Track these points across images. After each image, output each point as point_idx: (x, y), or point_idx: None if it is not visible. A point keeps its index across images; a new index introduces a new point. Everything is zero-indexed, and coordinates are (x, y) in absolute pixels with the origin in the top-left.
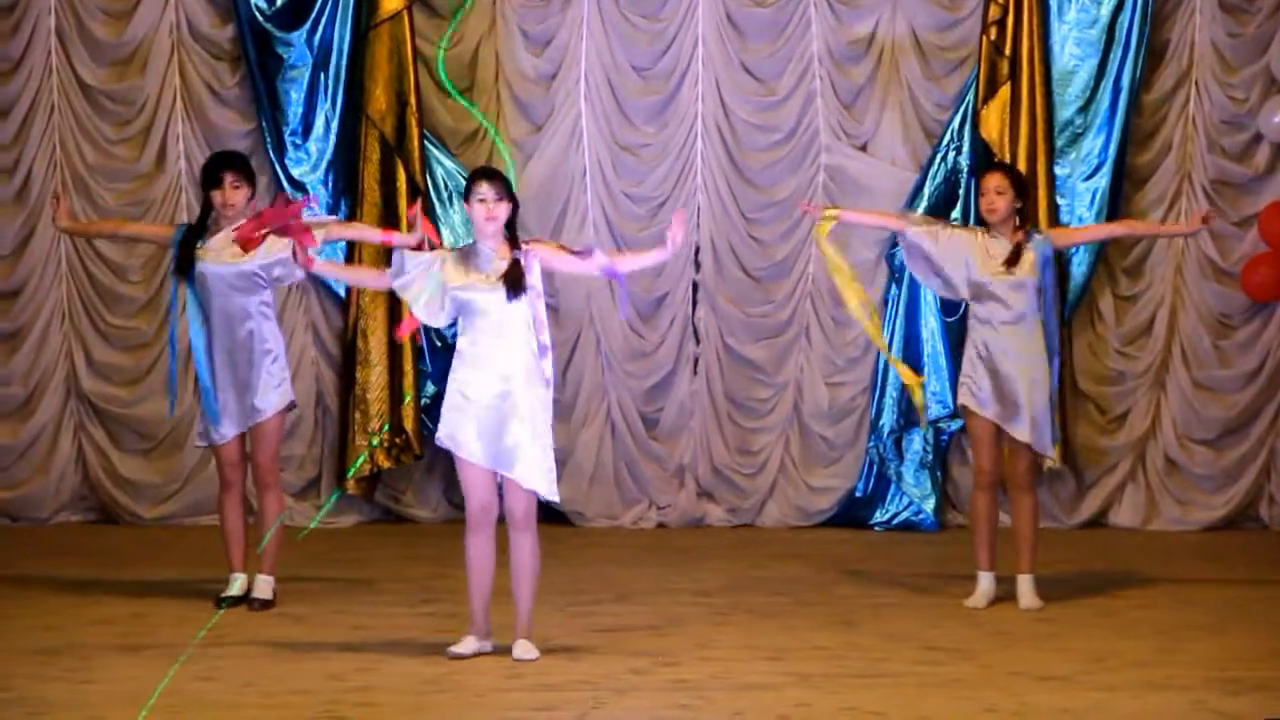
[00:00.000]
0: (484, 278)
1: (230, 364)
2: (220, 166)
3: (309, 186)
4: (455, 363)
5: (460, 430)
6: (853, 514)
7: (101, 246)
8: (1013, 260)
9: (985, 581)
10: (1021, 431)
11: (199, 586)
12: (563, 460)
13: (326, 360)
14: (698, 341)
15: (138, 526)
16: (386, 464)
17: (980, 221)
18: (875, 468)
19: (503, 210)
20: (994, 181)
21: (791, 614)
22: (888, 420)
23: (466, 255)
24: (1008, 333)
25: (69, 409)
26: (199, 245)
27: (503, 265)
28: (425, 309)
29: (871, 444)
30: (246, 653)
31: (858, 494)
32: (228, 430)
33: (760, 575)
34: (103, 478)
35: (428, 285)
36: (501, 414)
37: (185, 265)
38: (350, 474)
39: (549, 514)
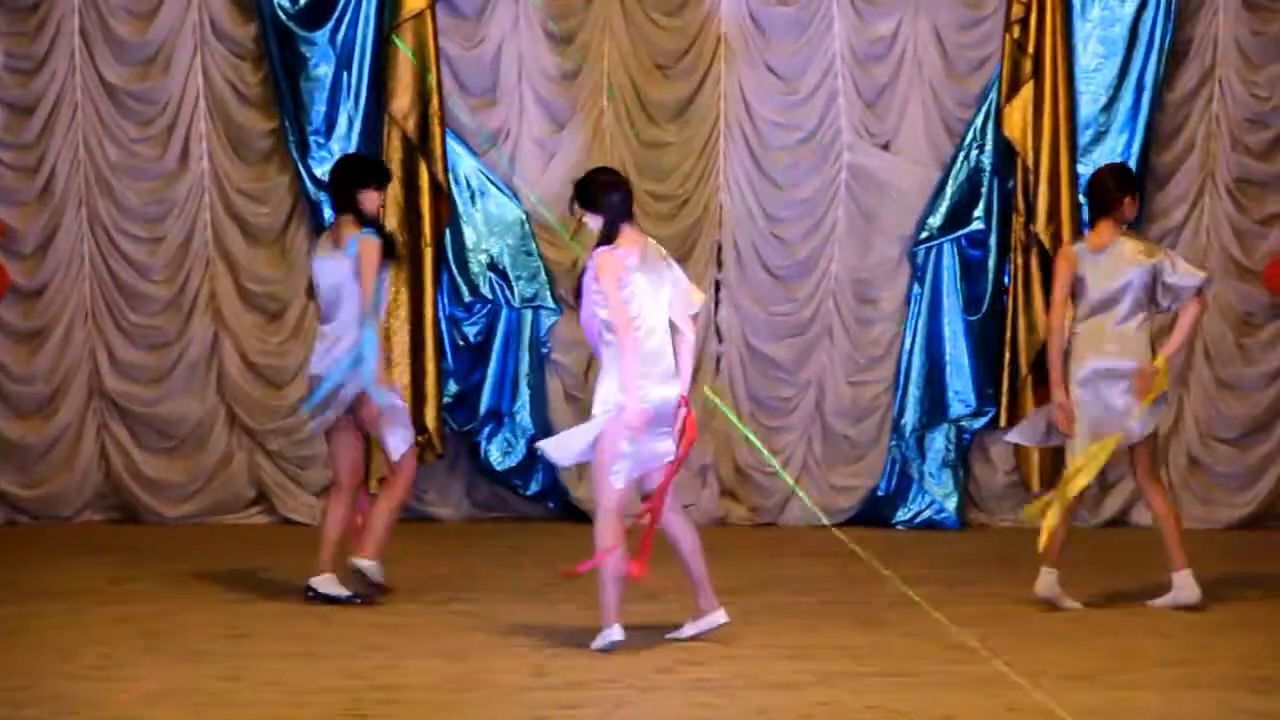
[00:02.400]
0: None
1: None
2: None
3: None
4: None
5: None
6: (875, 513)
7: (124, 245)
8: None
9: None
10: None
11: (221, 585)
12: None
13: None
14: (720, 340)
15: (160, 525)
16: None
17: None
18: (898, 466)
19: (589, 221)
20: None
21: (814, 613)
22: (910, 419)
23: None
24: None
25: (92, 407)
26: None
27: None
28: None
29: (894, 443)
30: (270, 651)
31: (880, 493)
32: None
33: (783, 574)
34: (125, 477)
35: None
36: None
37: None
38: None
39: (572, 513)
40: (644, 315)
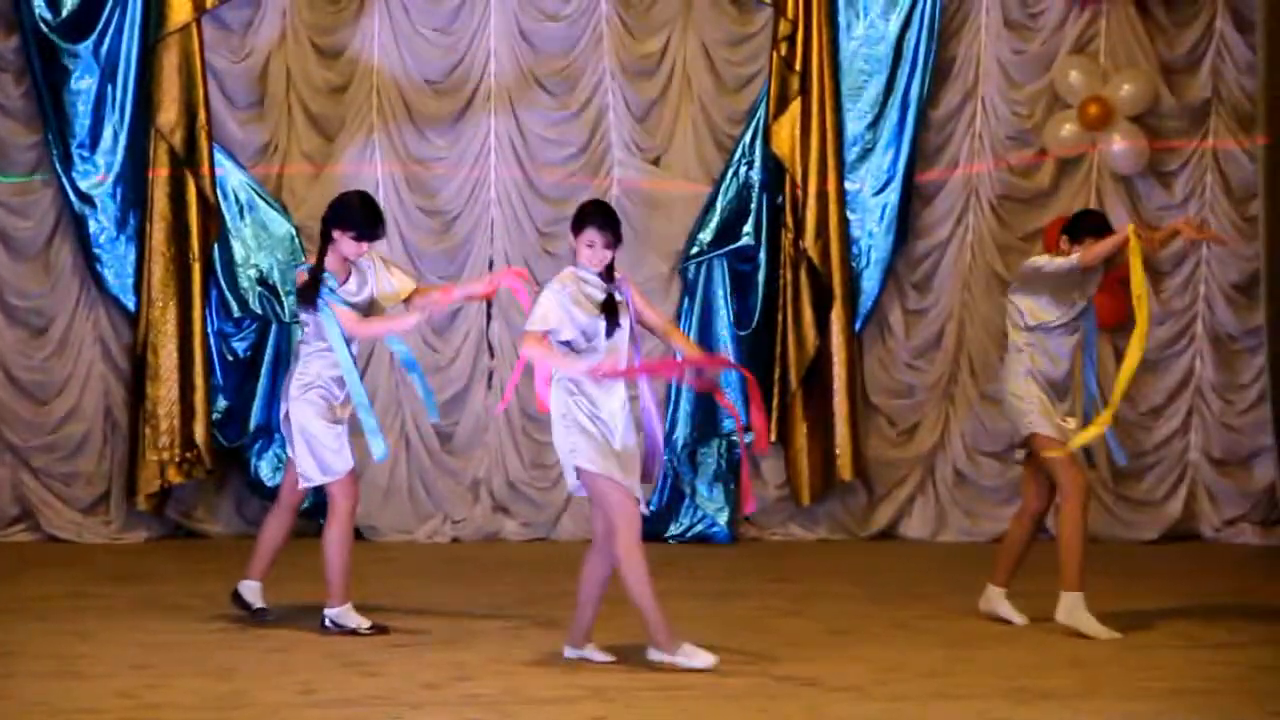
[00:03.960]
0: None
1: None
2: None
3: (97, 200)
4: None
5: None
6: (648, 527)
7: None
8: None
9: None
10: None
11: None
12: (355, 475)
13: (116, 375)
14: (492, 355)
15: None
16: (178, 479)
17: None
18: (669, 481)
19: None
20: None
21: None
22: (681, 433)
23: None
24: None
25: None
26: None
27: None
28: None
29: (665, 457)
30: (33, 670)
31: (652, 507)
32: None
33: (556, 589)
34: None
35: None
36: None
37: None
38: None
39: None
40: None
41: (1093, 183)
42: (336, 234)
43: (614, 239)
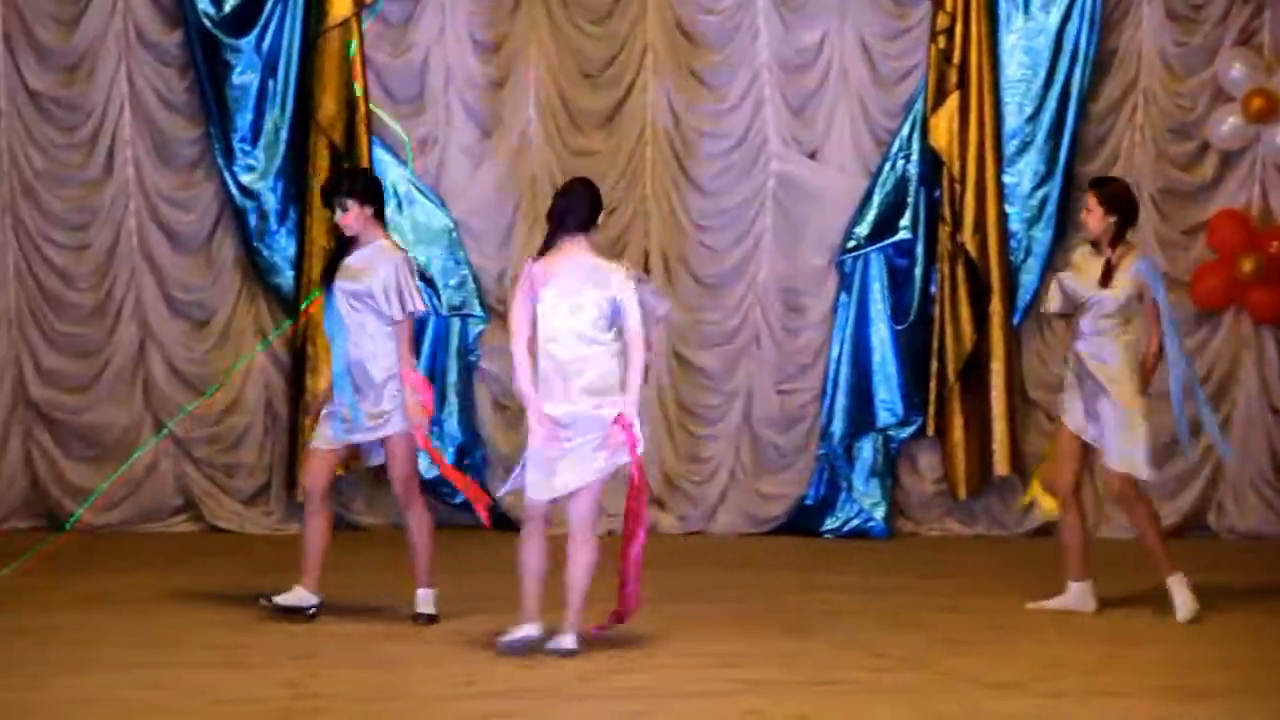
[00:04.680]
0: None
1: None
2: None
3: (258, 193)
4: None
5: None
6: (804, 521)
7: (49, 253)
8: (1106, 278)
9: None
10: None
11: (147, 593)
12: (512, 468)
13: (276, 367)
14: (648, 349)
15: (85, 533)
16: (338, 471)
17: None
18: (826, 475)
19: None
20: (1087, 200)
21: (743, 621)
22: (838, 428)
23: None
24: (1097, 345)
25: (17, 415)
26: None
27: None
28: None
29: (822, 451)
30: (195, 659)
31: (808, 501)
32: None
33: (711, 582)
34: (51, 484)
35: None
36: None
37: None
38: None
39: (499, 521)
40: (547, 329)
41: (1256, 176)
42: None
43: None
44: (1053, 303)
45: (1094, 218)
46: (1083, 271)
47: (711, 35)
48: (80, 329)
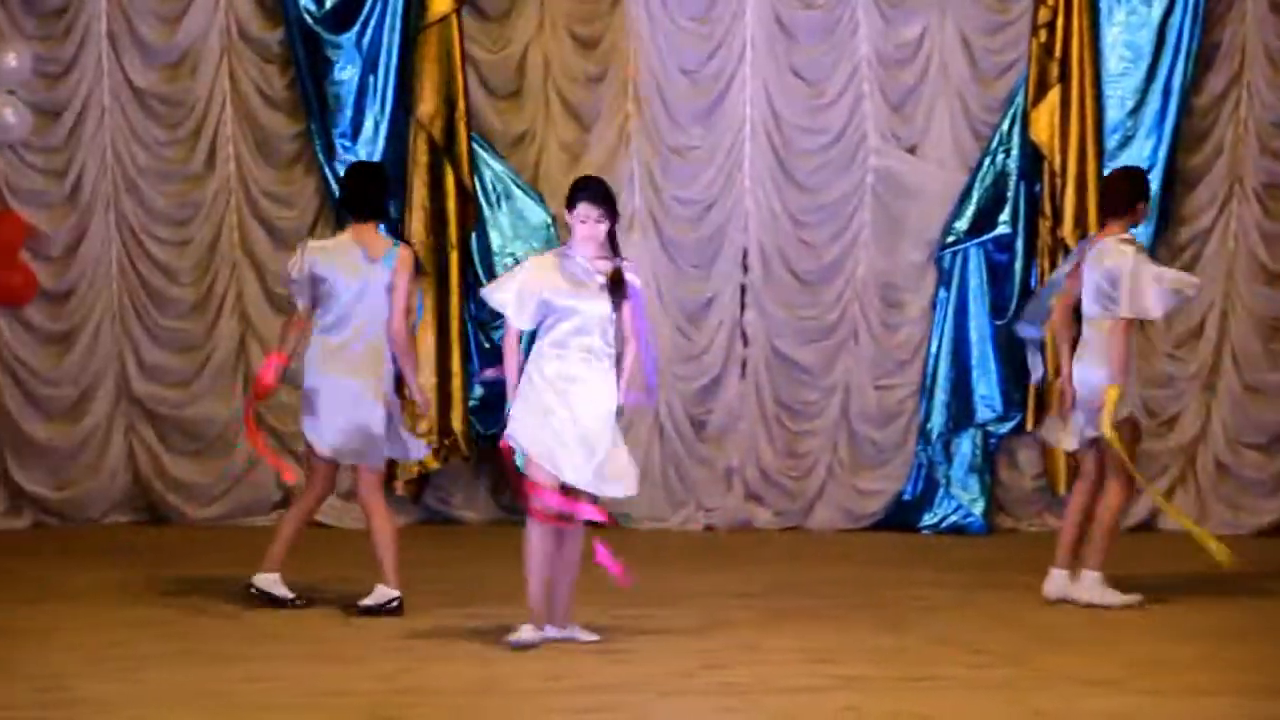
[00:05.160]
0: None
1: None
2: None
3: None
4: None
5: None
6: (901, 517)
7: (152, 248)
8: None
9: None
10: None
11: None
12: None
13: None
14: (746, 344)
15: (186, 527)
16: (435, 465)
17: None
18: (924, 471)
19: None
20: None
21: (840, 617)
22: (936, 423)
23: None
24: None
25: (120, 410)
26: None
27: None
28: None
29: (920, 447)
30: (294, 652)
31: (906, 497)
32: None
33: (808, 578)
34: (152, 479)
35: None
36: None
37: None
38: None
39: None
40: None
41: None
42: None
43: (605, 213)
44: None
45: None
46: None
47: (811, 30)
48: (182, 324)
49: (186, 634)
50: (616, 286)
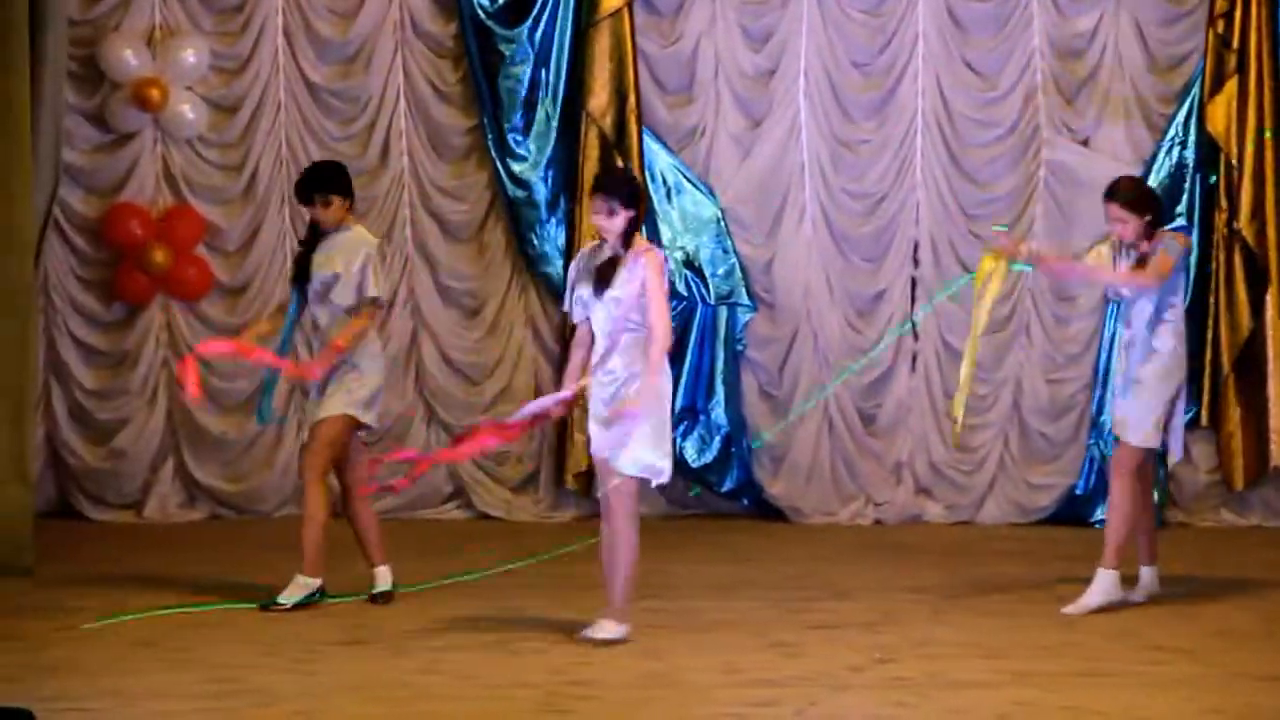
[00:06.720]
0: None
1: None
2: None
3: (529, 183)
4: None
5: None
6: (1073, 511)
7: None
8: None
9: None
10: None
11: (419, 579)
12: (780, 457)
13: (545, 356)
14: (916, 338)
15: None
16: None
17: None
18: (1096, 464)
19: (617, 223)
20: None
21: (1011, 612)
22: (1109, 418)
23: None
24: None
25: (293, 404)
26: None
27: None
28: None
29: (1092, 440)
30: (467, 644)
31: (1078, 491)
32: None
33: (979, 572)
34: None
35: None
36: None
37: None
38: None
39: (765, 510)
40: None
41: None
42: None
43: (618, 205)
44: None
45: (1130, 228)
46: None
47: (983, 22)
48: None
49: (361, 625)
50: (601, 278)
